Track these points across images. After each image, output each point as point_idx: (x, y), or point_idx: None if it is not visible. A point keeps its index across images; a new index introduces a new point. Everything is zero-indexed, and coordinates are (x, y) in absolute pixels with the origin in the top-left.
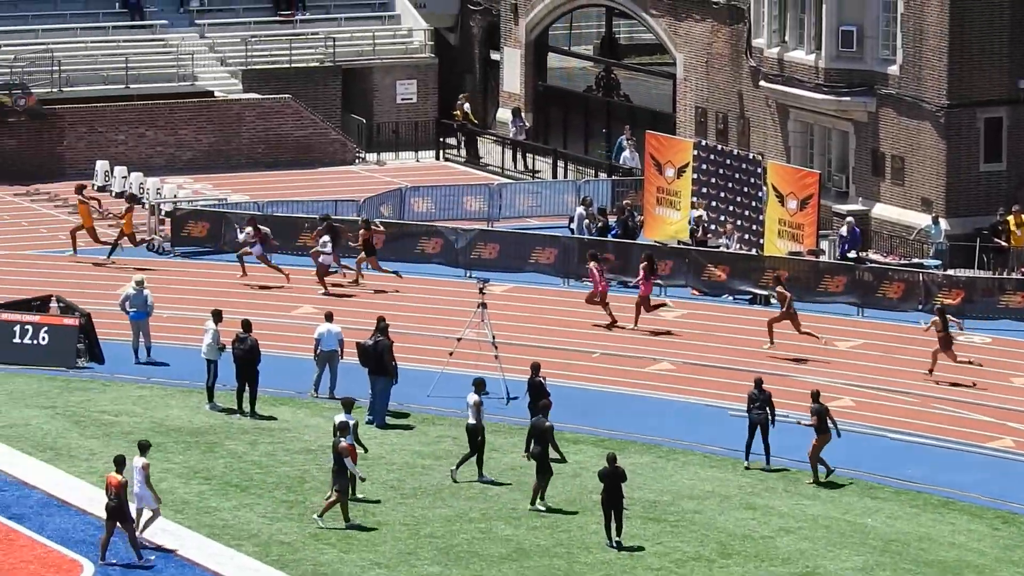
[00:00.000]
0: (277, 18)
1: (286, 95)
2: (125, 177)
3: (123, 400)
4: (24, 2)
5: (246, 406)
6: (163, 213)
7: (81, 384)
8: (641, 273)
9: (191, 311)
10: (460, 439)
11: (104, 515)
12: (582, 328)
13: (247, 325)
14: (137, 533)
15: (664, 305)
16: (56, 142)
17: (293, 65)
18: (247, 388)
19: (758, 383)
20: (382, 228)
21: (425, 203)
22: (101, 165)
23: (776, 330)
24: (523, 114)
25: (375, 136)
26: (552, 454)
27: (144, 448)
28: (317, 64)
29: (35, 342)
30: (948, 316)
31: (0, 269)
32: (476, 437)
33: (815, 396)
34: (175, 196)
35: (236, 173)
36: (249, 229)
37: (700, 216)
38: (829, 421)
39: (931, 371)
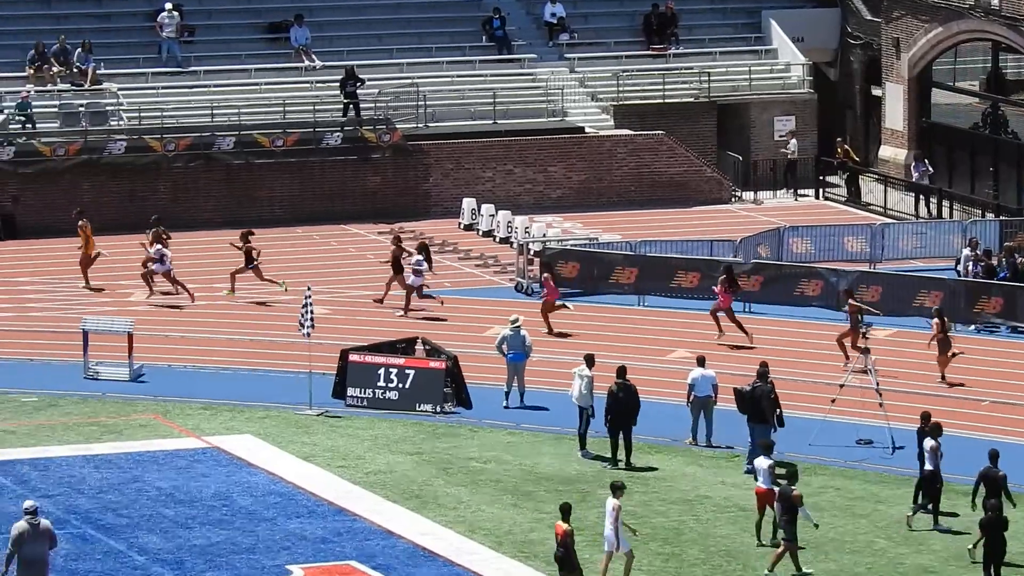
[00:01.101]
0: (649, 52)
1: (659, 131)
2: (492, 215)
3: (492, 446)
4: (389, 36)
5: (621, 454)
6: (531, 253)
7: (448, 429)
8: (720, 287)
9: (560, 355)
10: (844, 489)
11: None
12: (971, 375)
13: (623, 371)
14: None
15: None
16: (421, 179)
17: (666, 100)
18: (622, 436)
19: None
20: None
21: (804, 244)
22: (468, 203)
23: None
24: (926, 159)
25: (752, 174)
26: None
27: (617, 489)
28: (691, 99)
29: (401, 385)
30: None
31: (366, 311)
32: (934, 484)
33: None
34: (543, 235)
35: (607, 212)
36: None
37: None
38: None
39: None
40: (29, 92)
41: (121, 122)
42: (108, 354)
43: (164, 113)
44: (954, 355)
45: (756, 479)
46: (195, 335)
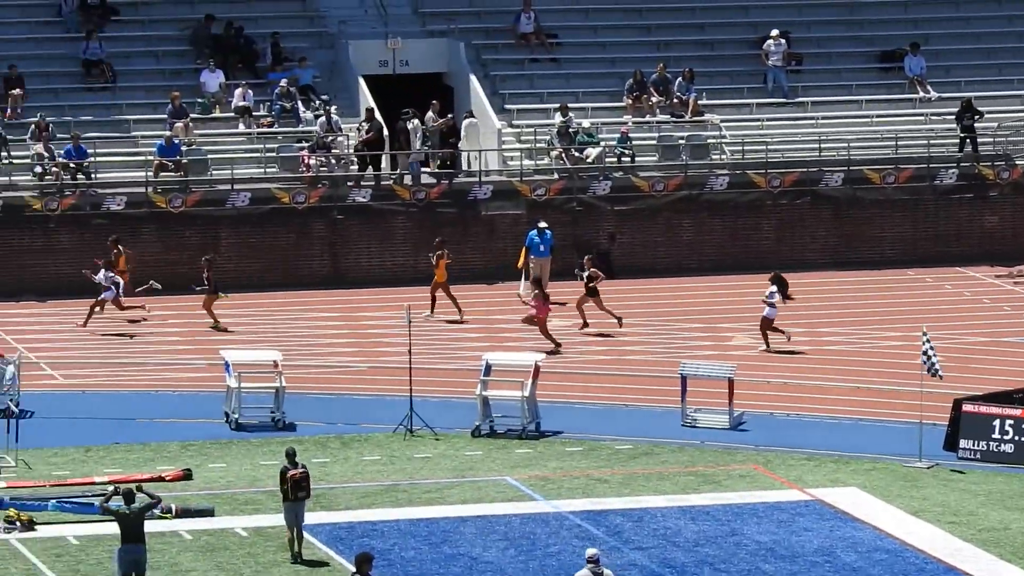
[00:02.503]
0: None
1: None
2: None
3: None
4: (1009, 67)
5: None
6: None
7: None
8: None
9: None
10: None
11: None
12: None
13: None
14: None
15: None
16: None
17: None
18: None
19: None
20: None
21: None
22: None
23: None
24: None
25: None
26: None
27: None
28: None
29: (1017, 438)
30: None
31: (981, 358)
32: None
33: None
34: None
35: None
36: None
37: None
38: None
39: None
40: (628, 125)
41: (723, 156)
42: (707, 400)
43: (768, 147)
44: None
45: None
46: (798, 382)
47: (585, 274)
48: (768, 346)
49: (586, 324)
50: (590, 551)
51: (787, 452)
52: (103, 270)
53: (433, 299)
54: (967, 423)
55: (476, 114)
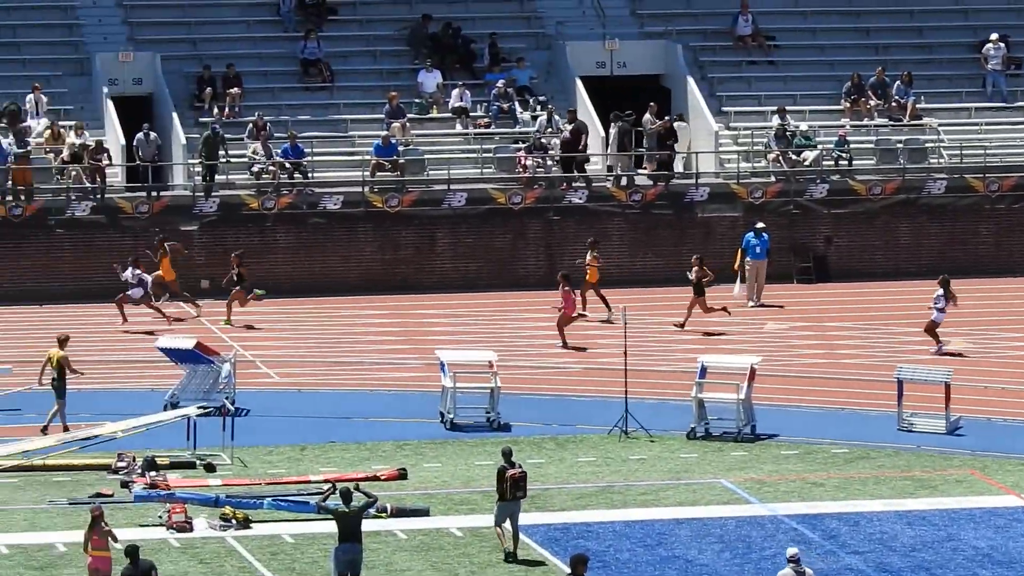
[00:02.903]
0: None
1: None
2: None
3: None
4: None
5: None
6: None
7: None
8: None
9: None
10: None
11: None
12: None
13: None
14: None
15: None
16: None
17: None
18: None
19: None
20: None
21: None
22: None
23: None
24: None
25: None
26: None
27: None
28: None
29: None
30: None
31: None
32: None
33: None
34: None
35: None
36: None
37: None
38: None
39: None
40: (846, 128)
41: (941, 160)
42: (924, 405)
43: (987, 151)
44: None
45: None
46: (1017, 387)
47: (692, 273)
48: (939, 349)
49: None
50: (791, 550)
51: (1004, 458)
52: (130, 267)
53: (584, 299)
54: None
55: (693, 116)
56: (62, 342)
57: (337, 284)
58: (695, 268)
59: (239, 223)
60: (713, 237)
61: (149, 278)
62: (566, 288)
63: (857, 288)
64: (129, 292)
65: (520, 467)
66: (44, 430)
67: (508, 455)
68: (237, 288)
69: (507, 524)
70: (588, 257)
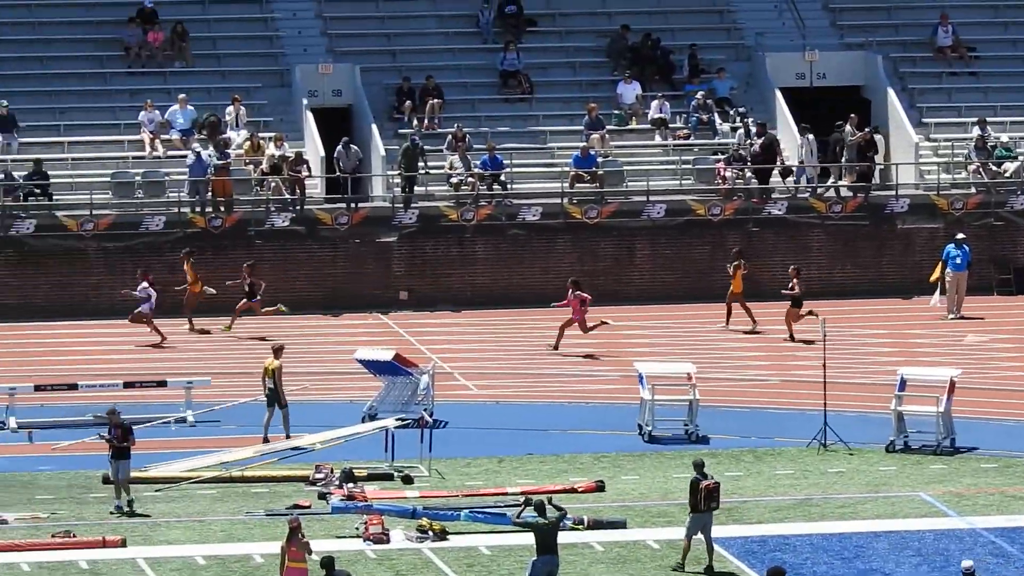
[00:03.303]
0: None
1: None
2: None
3: None
4: None
5: None
6: None
7: None
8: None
9: None
10: None
11: None
12: None
13: None
14: None
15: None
16: None
17: None
18: None
19: None
20: None
21: None
22: None
23: None
24: None
25: None
26: None
27: None
28: None
29: None
30: None
31: None
32: None
33: None
34: None
35: None
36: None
37: None
38: None
39: None
40: None
41: None
42: None
43: None
44: None
45: None
46: None
47: (790, 286)
48: None
49: (792, 338)
50: (966, 563)
51: None
52: (142, 283)
53: (729, 309)
54: None
55: (893, 127)
56: (277, 352)
57: (536, 295)
58: (794, 280)
59: (438, 234)
60: (912, 249)
61: (154, 293)
62: (577, 292)
63: None
64: (141, 308)
65: (713, 478)
66: (266, 440)
67: (700, 467)
68: (249, 300)
69: (699, 536)
70: (731, 268)
